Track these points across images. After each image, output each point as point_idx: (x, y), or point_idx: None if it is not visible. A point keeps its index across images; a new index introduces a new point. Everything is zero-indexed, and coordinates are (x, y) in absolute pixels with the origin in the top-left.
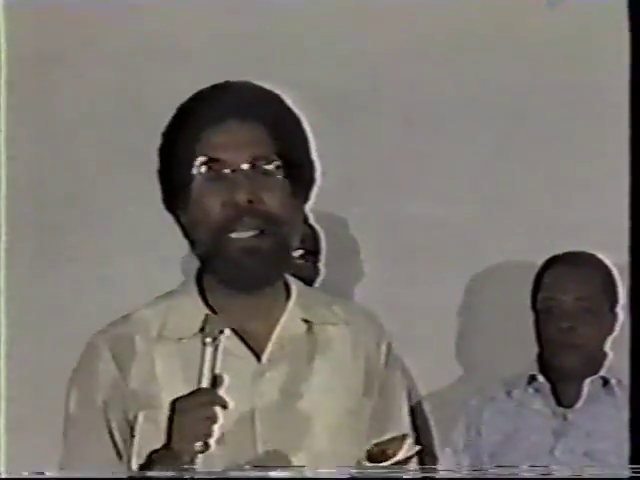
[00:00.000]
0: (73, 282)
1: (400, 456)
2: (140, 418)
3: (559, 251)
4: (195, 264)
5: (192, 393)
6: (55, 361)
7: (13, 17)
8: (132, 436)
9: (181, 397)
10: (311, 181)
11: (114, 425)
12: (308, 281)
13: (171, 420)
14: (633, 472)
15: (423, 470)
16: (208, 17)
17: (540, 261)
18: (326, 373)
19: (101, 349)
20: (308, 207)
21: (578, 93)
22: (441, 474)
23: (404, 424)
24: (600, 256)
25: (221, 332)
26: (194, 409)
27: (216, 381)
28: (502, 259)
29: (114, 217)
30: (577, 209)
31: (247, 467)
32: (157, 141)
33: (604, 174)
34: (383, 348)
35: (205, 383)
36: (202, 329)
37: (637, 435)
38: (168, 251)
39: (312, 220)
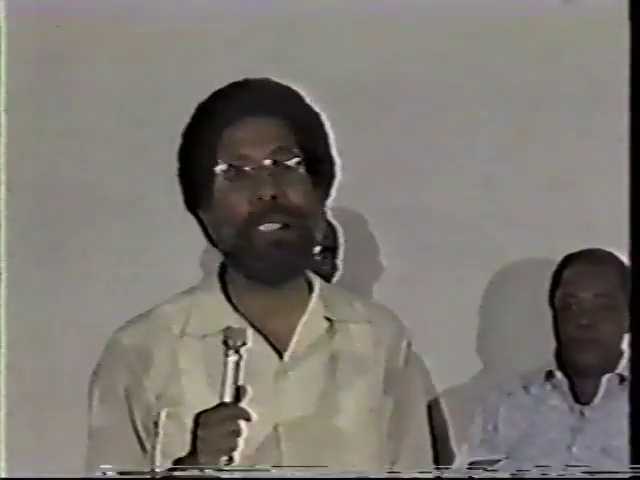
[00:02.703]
0: (84, 279)
1: None
2: (163, 415)
3: (576, 248)
4: (215, 260)
5: (216, 407)
6: (56, 361)
7: (21, 14)
8: (156, 433)
9: (205, 411)
10: (331, 176)
11: (138, 422)
12: (326, 277)
13: (195, 434)
14: (633, 472)
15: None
16: (222, 13)
17: (558, 258)
18: (348, 371)
19: (123, 345)
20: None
21: (579, 91)
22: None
23: (422, 423)
24: (617, 254)
25: (243, 344)
26: (218, 424)
27: (239, 393)
28: (520, 256)
29: (127, 212)
30: (594, 206)
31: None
32: (171, 135)
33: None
34: (403, 346)
35: (228, 396)
36: (225, 342)
37: (637, 435)
38: (185, 247)
39: (330, 216)
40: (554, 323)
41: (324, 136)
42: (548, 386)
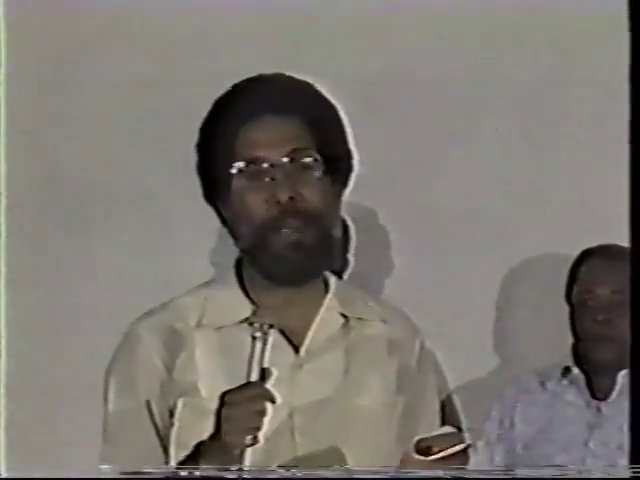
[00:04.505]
0: (93, 274)
1: (445, 453)
2: (179, 405)
3: (592, 243)
4: (227, 255)
5: (242, 386)
6: (57, 360)
7: (21, 11)
8: (171, 423)
9: (231, 390)
10: (349, 169)
11: (156, 412)
12: (337, 272)
13: (220, 412)
14: (633, 472)
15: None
16: (239, 6)
17: (574, 253)
18: (362, 367)
19: (141, 336)
20: None
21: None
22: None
23: (435, 422)
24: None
25: (271, 326)
26: (244, 402)
27: (264, 375)
28: (536, 251)
29: (136, 209)
30: (608, 201)
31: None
32: (181, 131)
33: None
34: (417, 347)
35: (254, 377)
36: (251, 323)
37: (637, 435)
38: (197, 242)
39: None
40: (571, 319)
41: (342, 132)
42: (565, 382)
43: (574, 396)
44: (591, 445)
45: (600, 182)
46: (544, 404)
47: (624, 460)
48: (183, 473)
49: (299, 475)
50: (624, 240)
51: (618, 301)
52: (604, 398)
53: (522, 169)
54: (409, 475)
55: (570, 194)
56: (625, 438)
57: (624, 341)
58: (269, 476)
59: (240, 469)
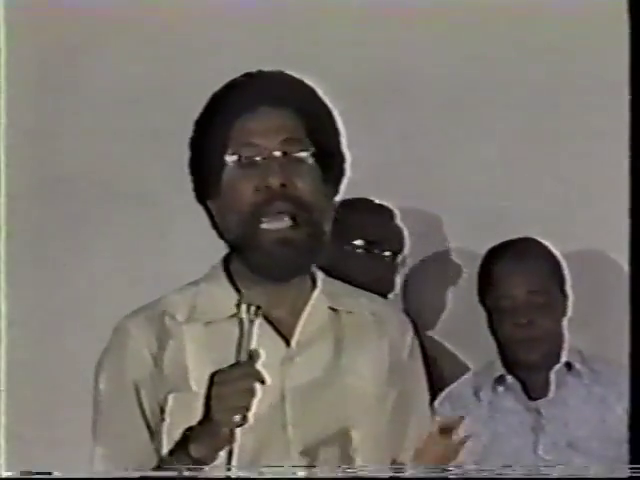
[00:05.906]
0: (92, 273)
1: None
2: (170, 401)
3: (593, 243)
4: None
5: (231, 366)
6: (56, 359)
7: (21, 11)
8: (162, 419)
9: (220, 370)
10: (341, 172)
11: (146, 407)
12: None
13: (209, 392)
14: (633, 472)
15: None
16: (237, 7)
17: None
18: (353, 359)
19: (130, 331)
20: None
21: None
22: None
23: (426, 416)
24: (540, 240)
25: (258, 308)
26: (234, 381)
27: (252, 356)
28: None
29: (137, 207)
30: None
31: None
32: (180, 129)
33: (602, 174)
34: (408, 340)
35: (243, 357)
36: (238, 304)
37: (637, 435)
38: (197, 242)
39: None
40: (489, 323)
41: (335, 131)
42: (500, 388)
43: (512, 402)
44: (540, 451)
45: (600, 182)
46: (484, 417)
47: (577, 457)
48: (187, 473)
49: (297, 475)
50: (624, 240)
51: (536, 302)
52: (540, 397)
53: (523, 169)
54: (408, 475)
55: (570, 194)
56: (572, 434)
57: (550, 338)
58: (261, 476)
59: (229, 469)
